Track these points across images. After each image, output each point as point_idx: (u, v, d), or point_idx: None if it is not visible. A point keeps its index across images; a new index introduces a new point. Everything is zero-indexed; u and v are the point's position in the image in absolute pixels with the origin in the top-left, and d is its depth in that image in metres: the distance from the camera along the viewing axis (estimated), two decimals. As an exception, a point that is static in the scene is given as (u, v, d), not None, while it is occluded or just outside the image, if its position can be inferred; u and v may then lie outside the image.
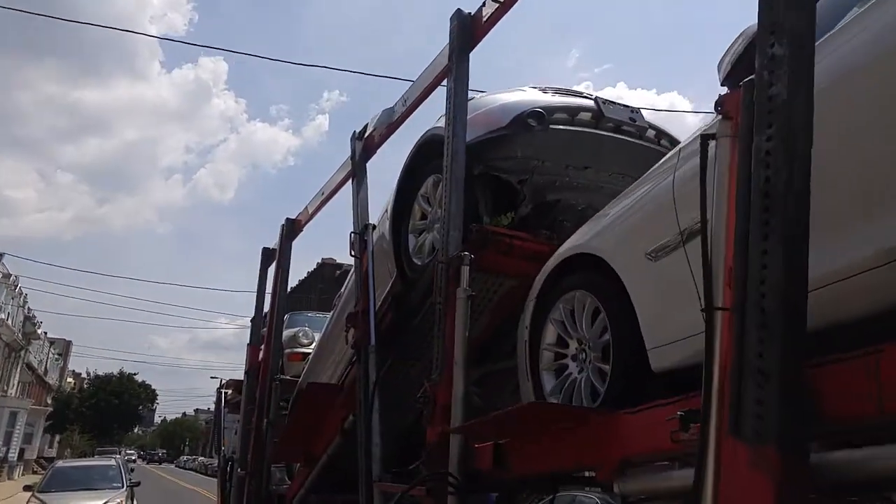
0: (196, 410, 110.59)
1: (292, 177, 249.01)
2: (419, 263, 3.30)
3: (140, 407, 53.52)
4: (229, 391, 7.66)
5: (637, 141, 2.95)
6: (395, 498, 2.54)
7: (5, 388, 33.13)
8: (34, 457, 36.34)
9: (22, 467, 32.87)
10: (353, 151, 4.12)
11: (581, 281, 2.23)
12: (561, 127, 2.83)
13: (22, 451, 33.71)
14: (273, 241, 6.11)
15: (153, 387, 54.70)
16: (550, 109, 2.82)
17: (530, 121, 2.74)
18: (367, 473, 2.85)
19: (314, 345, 5.95)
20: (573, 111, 2.87)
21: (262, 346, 5.83)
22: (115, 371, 52.09)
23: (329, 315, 5.46)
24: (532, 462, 2.21)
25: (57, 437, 49.19)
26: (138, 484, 13.92)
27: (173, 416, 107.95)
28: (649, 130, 3.01)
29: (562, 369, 2.30)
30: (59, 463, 15.48)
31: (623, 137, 2.92)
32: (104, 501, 11.29)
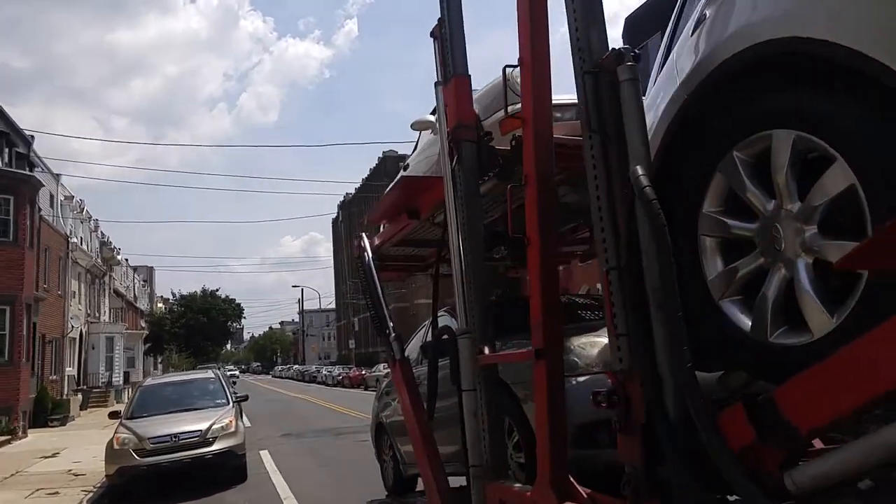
0: (281, 323, 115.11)
1: (330, 89, 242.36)
2: None
3: (229, 322, 53.71)
4: (381, 230, 4.16)
5: None
6: None
7: (97, 314, 32.60)
8: (139, 379, 36.64)
9: (129, 390, 32.97)
10: None
11: None
12: None
13: (127, 375, 33.77)
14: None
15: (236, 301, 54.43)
16: None
17: None
18: None
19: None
20: None
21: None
22: (198, 290, 51.91)
23: None
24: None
25: (158, 359, 50.44)
26: (246, 398, 11.43)
27: (260, 332, 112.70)
28: None
29: None
30: (147, 381, 12.77)
31: None
32: (209, 424, 8.62)
